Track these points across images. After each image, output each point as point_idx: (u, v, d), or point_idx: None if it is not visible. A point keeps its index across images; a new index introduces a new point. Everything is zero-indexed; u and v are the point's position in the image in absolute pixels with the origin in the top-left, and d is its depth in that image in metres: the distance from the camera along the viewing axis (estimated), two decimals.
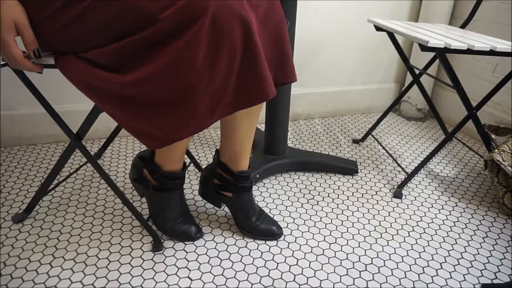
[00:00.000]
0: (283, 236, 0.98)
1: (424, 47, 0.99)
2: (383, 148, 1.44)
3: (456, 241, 1.00)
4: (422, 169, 1.32)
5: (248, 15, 0.63)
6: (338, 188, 1.21)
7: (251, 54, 0.66)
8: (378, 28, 1.26)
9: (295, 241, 0.97)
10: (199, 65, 0.63)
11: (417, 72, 1.40)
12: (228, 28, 0.62)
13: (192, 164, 1.29)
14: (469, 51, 0.98)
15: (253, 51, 0.66)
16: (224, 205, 1.00)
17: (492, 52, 0.98)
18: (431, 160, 1.27)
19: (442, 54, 1.03)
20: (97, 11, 0.64)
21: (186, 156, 1.06)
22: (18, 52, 0.67)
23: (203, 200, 1.03)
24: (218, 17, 0.61)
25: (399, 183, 1.24)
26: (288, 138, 1.51)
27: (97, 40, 0.66)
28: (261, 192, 1.17)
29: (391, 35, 1.30)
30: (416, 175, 1.27)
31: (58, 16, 0.66)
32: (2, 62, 0.75)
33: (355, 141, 1.54)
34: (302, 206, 1.11)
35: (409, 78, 1.79)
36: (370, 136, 1.58)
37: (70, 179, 1.19)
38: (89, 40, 0.67)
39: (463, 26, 1.34)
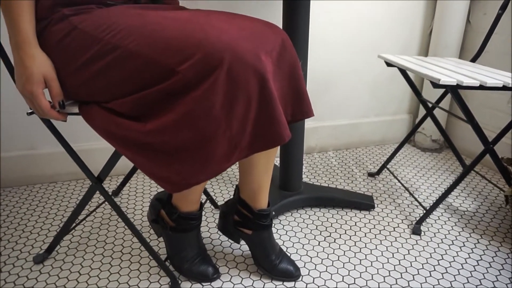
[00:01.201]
0: (301, 276, 0.97)
1: (436, 84, 1.00)
2: (399, 181, 1.42)
3: (480, 281, 0.96)
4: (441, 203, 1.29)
5: (262, 66, 0.66)
6: (355, 225, 1.20)
7: (266, 101, 0.68)
8: (389, 64, 1.29)
9: (313, 282, 0.95)
10: (216, 113, 0.65)
11: (430, 105, 1.41)
12: (243, 79, 0.64)
13: (208, 201, 1.30)
14: (482, 87, 0.98)
15: (269, 98, 0.68)
16: (243, 241, 1.00)
17: (505, 88, 0.98)
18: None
19: (454, 90, 1.04)
20: (119, 66, 0.68)
21: (202, 194, 1.08)
22: (46, 104, 0.72)
23: (222, 234, 1.03)
24: (233, 70, 0.63)
25: (417, 218, 1.22)
26: (303, 172, 1.52)
27: (119, 91, 0.70)
28: (277, 229, 1.17)
29: (402, 70, 1.32)
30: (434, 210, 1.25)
31: (83, 71, 0.71)
32: (30, 111, 0.79)
33: (371, 174, 1.53)
34: (319, 244, 1.10)
35: (422, 109, 1.79)
36: (385, 169, 1.57)
37: (89, 217, 1.21)
38: (111, 92, 0.71)
39: (473, 60, 1.35)
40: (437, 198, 1.18)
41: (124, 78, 0.69)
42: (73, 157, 0.89)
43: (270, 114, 0.69)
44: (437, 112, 1.61)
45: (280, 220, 1.21)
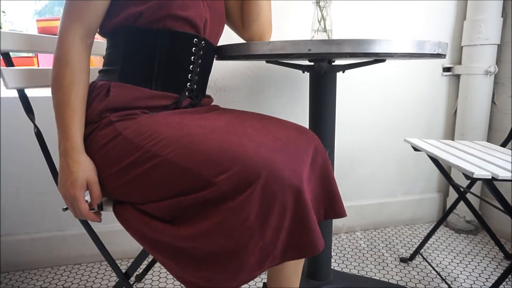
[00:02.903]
0: None
1: (469, 177, 0.98)
2: (434, 269, 1.34)
3: None
4: None
5: (298, 180, 0.67)
6: None
7: (301, 212, 0.68)
8: (416, 149, 1.28)
9: None
10: (250, 224, 0.65)
11: (461, 189, 1.37)
12: (279, 193, 0.65)
13: None
14: None
15: (303, 209, 0.67)
16: None
17: None
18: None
19: (489, 183, 1.01)
20: (158, 173, 0.70)
21: None
22: (85, 207, 0.74)
23: None
24: (270, 185, 0.64)
25: None
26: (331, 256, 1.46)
27: (155, 196, 0.72)
28: None
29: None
30: None
31: (122, 174, 0.73)
32: (65, 207, 0.82)
33: (403, 260, 1.45)
34: None
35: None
36: (418, 254, 1.48)
37: None
38: (147, 195, 0.73)
39: (504, 144, 1.33)
40: None
41: (161, 184, 0.70)
42: (103, 253, 0.89)
43: (305, 224, 0.68)
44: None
45: None
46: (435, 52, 0.88)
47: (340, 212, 0.82)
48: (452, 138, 1.72)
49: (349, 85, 1.55)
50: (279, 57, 0.83)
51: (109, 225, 1.40)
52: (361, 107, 1.59)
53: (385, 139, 1.65)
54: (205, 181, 0.66)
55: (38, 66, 1.45)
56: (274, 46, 0.82)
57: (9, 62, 0.83)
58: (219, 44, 0.97)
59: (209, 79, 0.96)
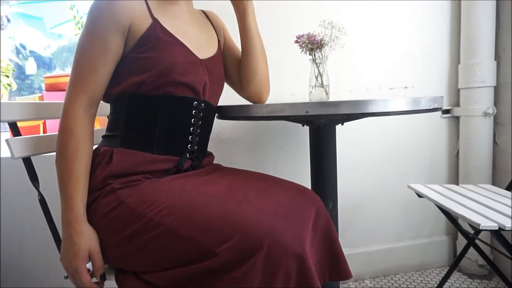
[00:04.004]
0: None
1: (476, 228, 0.96)
2: None
3: None
4: None
5: (301, 247, 0.66)
6: None
7: (305, 280, 0.67)
8: (420, 195, 1.27)
9: None
10: None
11: (470, 235, 1.34)
12: (283, 261, 0.64)
13: None
14: None
15: (308, 276, 0.66)
16: None
17: None
18: None
19: (497, 233, 0.99)
20: (160, 242, 0.70)
21: None
22: (87, 279, 0.73)
23: None
24: (273, 253, 0.64)
25: None
26: None
27: (157, 265, 0.71)
28: None
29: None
30: None
31: (125, 244, 0.73)
32: (66, 274, 0.80)
33: None
34: None
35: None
36: None
37: None
38: (149, 265, 0.72)
39: (510, 187, 1.32)
40: None
41: (163, 253, 0.70)
42: None
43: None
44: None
45: None
46: (430, 107, 0.90)
47: (345, 274, 0.80)
48: (457, 180, 1.71)
49: (350, 130, 1.56)
50: (278, 119, 0.85)
51: None
52: (363, 152, 1.60)
53: (389, 183, 1.64)
54: (207, 250, 0.66)
55: (45, 130, 1.48)
56: (273, 109, 0.85)
57: (16, 131, 0.85)
58: (221, 104, 1.00)
59: (212, 131, 0.98)
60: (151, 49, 0.80)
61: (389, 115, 0.85)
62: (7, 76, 1.74)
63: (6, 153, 1.33)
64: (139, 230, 0.72)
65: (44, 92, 1.64)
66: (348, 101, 0.80)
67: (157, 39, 0.81)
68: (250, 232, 0.65)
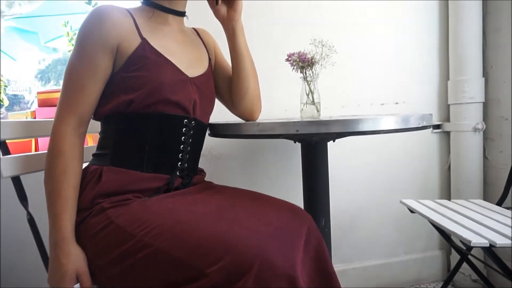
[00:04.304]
0: None
1: (467, 245, 0.96)
2: None
3: None
4: None
5: (292, 268, 0.65)
6: None
7: None
8: (412, 211, 1.27)
9: None
10: None
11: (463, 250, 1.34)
12: (273, 284, 0.64)
13: None
14: None
15: None
16: None
17: None
18: None
19: (488, 250, 0.99)
20: (149, 263, 0.69)
21: None
22: None
23: None
24: (263, 275, 0.63)
25: None
26: None
27: (147, 286, 0.70)
28: None
29: None
30: None
31: (114, 265, 0.72)
32: None
33: None
34: None
35: None
36: None
37: None
38: (139, 286, 0.71)
39: (499, 203, 1.33)
40: None
41: (153, 274, 0.69)
42: None
43: None
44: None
45: None
46: (420, 125, 0.91)
47: None
48: (449, 194, 1.72)
49: (342, 146, 1.57)
50: (268, 137, 0.86)
51: None
52: (356, 167, 1.61)
53: (382, 199, 1.64)
54: (197, 272, 0.65)
55: (37, 146, 1.47)
56: (263, 127, 0.85)
57: (5, 150, 0.85)
58: (214, 120, 1.00)
59: (204, 147, 0.98)
60: (139, 68, 0.80)
61: (379, 133, 0.86)
62: None
63: None
64: (128, 250, 0.71)
65: (36, 108, 1.63)
66: (338, 120, 0.81)
67: (145, 58, 0.81)
68: (240, 253, 0.64)
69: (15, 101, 1.99)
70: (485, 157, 1.65)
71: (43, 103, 1.67)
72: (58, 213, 0.74)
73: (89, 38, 0.79)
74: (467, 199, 1.38)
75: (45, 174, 0.77)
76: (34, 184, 0.90)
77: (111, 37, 0.79)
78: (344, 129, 0.81)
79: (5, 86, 1.84)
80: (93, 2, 2.00)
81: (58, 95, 1.67)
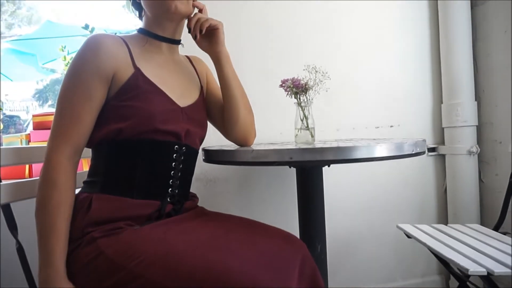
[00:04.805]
0: None
1: (464, 273, 0.95)
2: None
3: None
4: None
5: None
6: None
7: None
8: (409, 236, 1.26)
9: None
10: None
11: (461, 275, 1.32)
12: None
13: None
14: None
15: None
16: None
17: None
18: None
19: (486, 278, 0.98)
20: None
21: None
22: None
23: None
24: None
25: None
26: None
27: None
28: None
29: None
30: None
31: None
32: None
33: None
34: None
35: None
36: None
37: None
38: None
39: (496, 228, 1.32)
40: None
41: None
42: None
43: None
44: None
45: None
46: (413, 152, 0.91)
47: None
48: (446, 217, 1.71)
49: (338, 171, 1.57)
50: (262, 164, 0.86)
51: None
52: (351, 192, 1.60)
53: (379, 223, 1.63)
54: None
55: (31, 170, 1.46)
56: (257, 154, 0.85)
57: None
58: (208, 146, 0.99)
59: (199, 171, 0.97)
60: (131, 98, 0.81)
61: (373, 160, 0.86)
62: None
63: None
64: (119, 281, 0.69)
65: (31, 131, 1.63)
66: (332, 147, 0.81)
67: (137, 88, 0.81)
68: (233, 284, 0.63)
69: (10, 123, 1.98)
70: (481, 180, 1.65)
71: (38, 126, 1.67)
72: (52, 247, 0.72)
73: (85, 67, 0.79)
74: (464, 224, 1.37)
75: (38, 206, 0.75)
76: (25, 213, 0.89)
77: (107, 66, 0.79)
78: (338, 157, 0.81)
79: (0, 109, 1.84)
80: (90, 27, 2.03)
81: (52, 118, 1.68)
